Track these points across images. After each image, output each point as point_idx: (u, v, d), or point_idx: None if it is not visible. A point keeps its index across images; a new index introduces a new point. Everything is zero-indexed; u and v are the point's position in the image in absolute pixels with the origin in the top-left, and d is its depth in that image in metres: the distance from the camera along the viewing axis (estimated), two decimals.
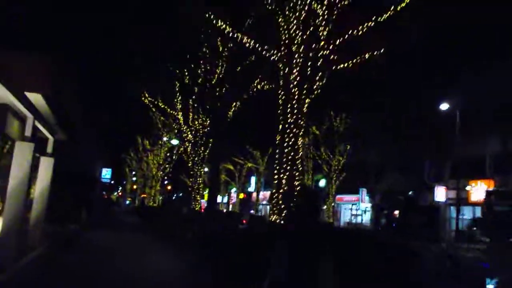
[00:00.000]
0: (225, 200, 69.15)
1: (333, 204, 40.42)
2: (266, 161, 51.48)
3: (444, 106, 29.39)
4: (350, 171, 39.10)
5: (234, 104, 20.99)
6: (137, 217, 35.17)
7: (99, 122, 34.41)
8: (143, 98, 23.34)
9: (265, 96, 22.32)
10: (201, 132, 22.39)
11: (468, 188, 29.97)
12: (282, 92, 11.95)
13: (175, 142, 22.42)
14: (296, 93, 11.53)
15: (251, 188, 60.44)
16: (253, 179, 60.48)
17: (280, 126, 11.85)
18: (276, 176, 11.57)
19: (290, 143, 11.38)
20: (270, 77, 21.22)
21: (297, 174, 11.42)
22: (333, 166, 38.62)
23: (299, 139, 11.50)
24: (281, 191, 11.20)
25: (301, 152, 11.46)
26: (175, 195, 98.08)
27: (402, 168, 36.96)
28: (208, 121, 22.38)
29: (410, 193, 37.62)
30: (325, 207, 47.17)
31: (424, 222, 34.82)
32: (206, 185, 70.65)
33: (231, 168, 56.16)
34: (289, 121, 11.48)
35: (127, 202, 72.52)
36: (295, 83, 11.64)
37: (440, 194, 33.12)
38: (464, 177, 29.30)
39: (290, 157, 11.32)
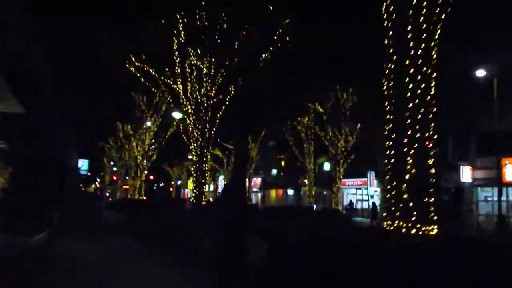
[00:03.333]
0: (211, 188, 64.32)
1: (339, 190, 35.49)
2: (258, 146, 46.26)
3: (480, 73, 24.66)
4: (355, 153, 34.36)
5: (262, 55, 15.66)
6: (118, 211, 29.44)
7: (70, 100, 28.47)
8: (127, 65, 17.67)
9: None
10: (205, 104, 16.95)
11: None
12: (394, 15, 6.60)
13: (177, 115, 16.83)
14: (424, 4, 6.32)
15: None
16: None
17: (391, 65, 6.61)
18: (391, 159, 6.31)
19: (418, 92, 6.20)
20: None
21: (432, 153, 6.24)
22: (340, 147, 33.69)
23: (432, 85, 6.29)
24: (407, 177, 6.04)
25: (435, 109, 6.28)
26: (155, 185, 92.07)
27: None
28: (213, 91, 16.99)
29: None
30: (324, 193, 42.62)
31: (448, 206, 30.54)
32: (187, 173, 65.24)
33: (218, 154, 50.81)
34: (413, 53, 6.24)
35: (107, 194, 66.35)
36: None
37: (466, 174, 28.70)
38: (497, 155, 24.81)
39: (418, 121, 6.12)
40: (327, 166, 37.01)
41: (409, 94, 6.38)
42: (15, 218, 14.53)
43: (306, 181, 39.77)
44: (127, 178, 51.10)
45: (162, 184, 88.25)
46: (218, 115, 17.51)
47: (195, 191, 17.18)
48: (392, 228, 5.97)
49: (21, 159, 20.42)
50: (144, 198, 39.85)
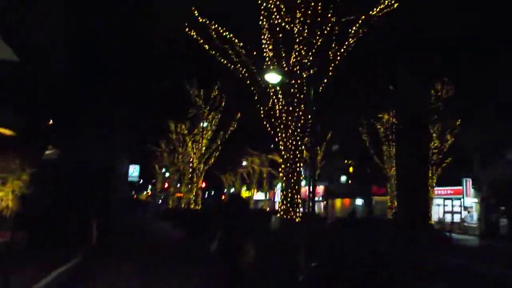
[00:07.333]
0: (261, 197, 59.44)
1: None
2: (323, 150, 39.90)
3: None
4: (450, 156, 27.60)
5: None
6: (172, 225, 24.42)
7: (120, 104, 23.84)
8: (186, 29, 12.36)
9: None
10: (298, 74, 11.29)
11: None
12: None
13: (274, 79, 11.01)
14: None
15: (302, 183, 49.12)
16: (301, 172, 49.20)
17: None
18: None
19: None
20: None
21: None
22: (432, 148, 27.00)
23: None
24: None
25: None
26: (206, 193, 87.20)
27: None
28: (309, 57, 11.29)
29: None
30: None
31: None
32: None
33: (277, 160, 44.86)
34: None
35: (160, 202, 62.25)
36: None
37: None
38: None
39: None
40: None
41: None
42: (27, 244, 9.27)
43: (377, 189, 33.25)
44: (179, 185, 46.32)
45: (213, 192, 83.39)
46: (319, 89, 11.76)
47: (284, 202, 11.51)
48: None
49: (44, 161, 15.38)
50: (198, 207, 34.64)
